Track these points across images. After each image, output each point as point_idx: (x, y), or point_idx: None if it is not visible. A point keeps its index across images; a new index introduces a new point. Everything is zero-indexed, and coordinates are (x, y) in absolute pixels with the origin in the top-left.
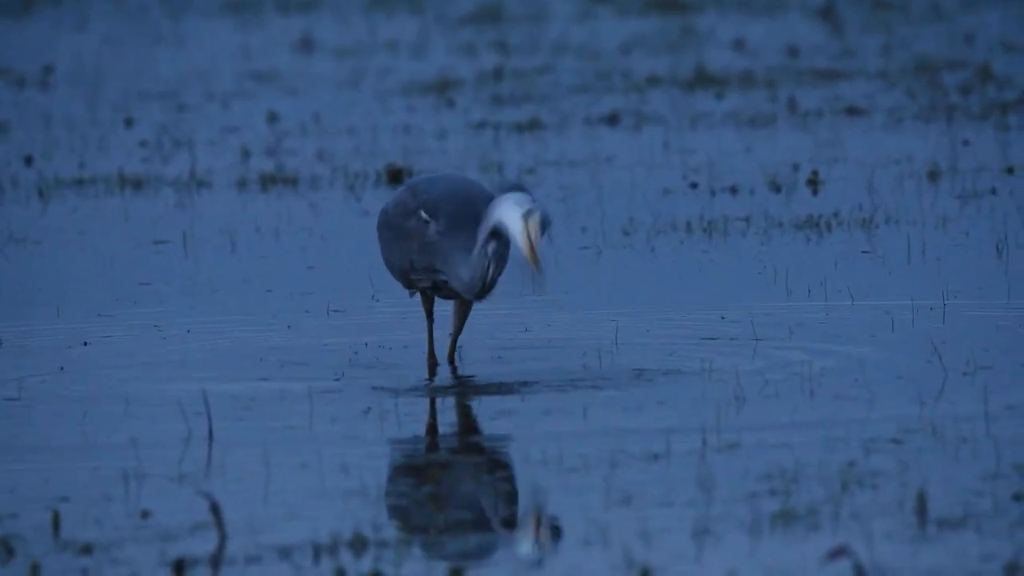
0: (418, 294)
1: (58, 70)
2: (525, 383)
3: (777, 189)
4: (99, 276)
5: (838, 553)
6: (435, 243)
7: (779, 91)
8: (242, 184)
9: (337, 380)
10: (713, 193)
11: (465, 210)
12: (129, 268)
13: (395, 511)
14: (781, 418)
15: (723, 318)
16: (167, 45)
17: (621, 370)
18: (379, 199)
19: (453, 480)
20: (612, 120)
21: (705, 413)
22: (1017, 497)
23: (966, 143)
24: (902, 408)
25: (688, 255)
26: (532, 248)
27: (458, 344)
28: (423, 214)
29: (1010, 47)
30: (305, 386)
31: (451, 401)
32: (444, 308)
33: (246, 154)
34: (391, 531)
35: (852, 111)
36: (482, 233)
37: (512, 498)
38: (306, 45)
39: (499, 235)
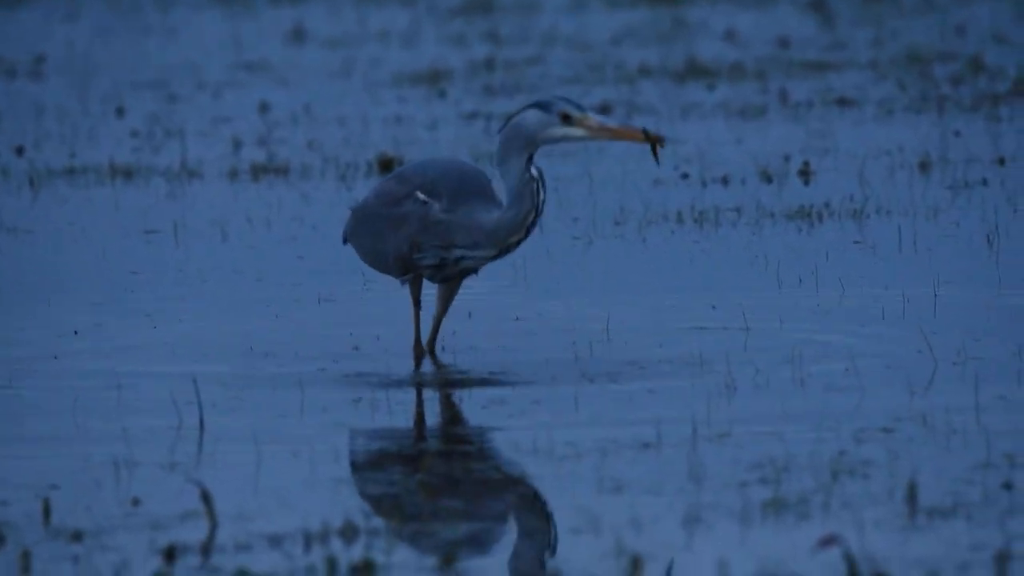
0: (408, 283)
1: (49, 60)
2: (516, 372)
3: (768, 180)
4: (90, 266)
5: (828, 542)
6: (444, 221)
7: (770, 82)
8: (233, 174)
9: (327, 369)
10: (704, 184)
11: (467, 187)
12: (120, 258)
13: (386, 499)
14: (772, 408)
15: (714, 308)
16: (158, 35)
17: (612, 360)
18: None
19: (443, 469)
20: (603, 111)
21: (696, 403)
22: (1007, 486)
23: (957, 134)
24: (893, 398)
25: (679, 245)
26: (620, 131)
27: (446, 332)
28: (420, 195)
29: (1001, 39)
30: (296, 375)
31: (441, 390)
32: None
33: (237, 144)
34: (382, 519)
35: (843, 102)
36: (515, 158)
37: (503, 487)
38: (297, 35)
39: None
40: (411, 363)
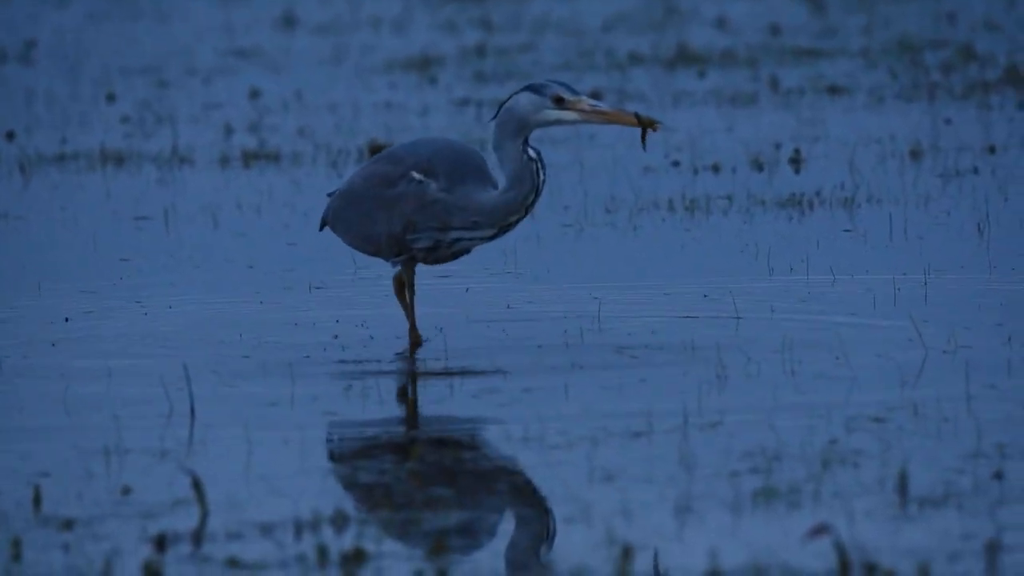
0: (399, 265)
1: (40, 45)
2: (507, 360)
3: (759, 167)
4: (81, 252)
5: (819, 531)
6: (441, 200)
7: (761, 69)
8: (224, 160)
9: (318, 357)
10: (695, 171)
11: (463, 165)
12: (110, 244)
13: (377, 488)
14: (763, 396)
15: (705, 296)
16: (149, 21)
17: (603, 348)
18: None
19: (434, 458)
20: (594, 98)
21: (687, 391)
22: (998, 476)
23: (948, 122)
24: (883, 387)
25: (670, 233)
26: (613, 114)
27: (437, 321)
28: (415, 175)
29: (992, 26)
30: (286, 363)
31: (432, 378)
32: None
33: (228, 130)
34: (373, 508)
35: (834, 90)
36: (511, 142)
37: (494, 476)
38: (288, 22)
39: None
40: (402, 351)
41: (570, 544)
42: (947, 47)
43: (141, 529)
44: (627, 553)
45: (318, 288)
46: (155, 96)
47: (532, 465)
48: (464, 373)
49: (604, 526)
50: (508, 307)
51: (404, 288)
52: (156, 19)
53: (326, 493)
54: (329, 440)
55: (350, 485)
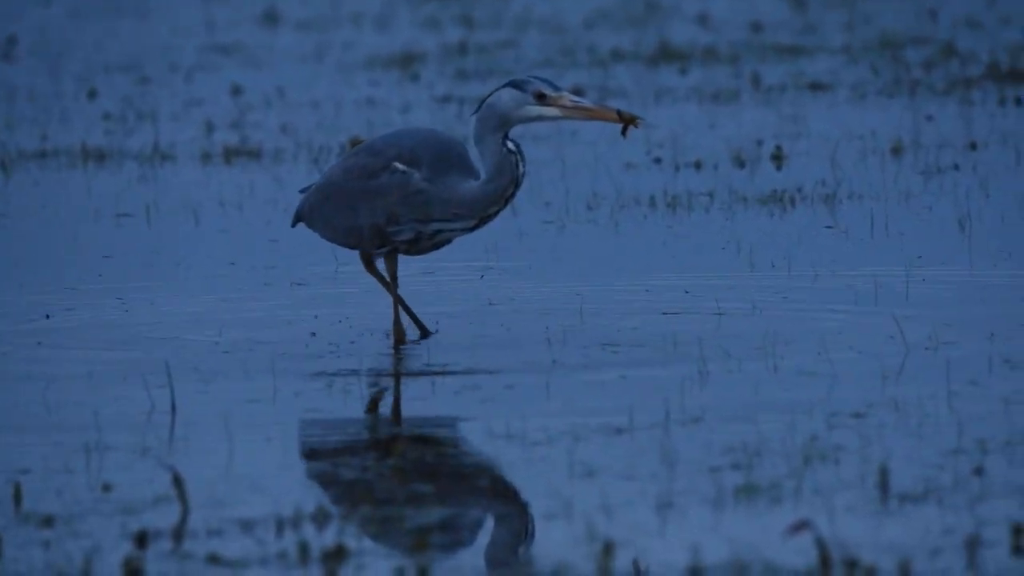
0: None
1: (22, 42)
2: (488, 357)
3: (741, 164)
4: (62, 249)
5: (800, 527)
6: (425, 190)
7: (743, 66)
8: (206, 157)
9: (299, 354)
10: (677, 168)
11: (446, 155)
12: (92, 241)
13: (358, 485)
14: (744, 393)
15: (687, 292)
16: (131, 17)
17: (585, 344)
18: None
19: (416, 454)
20: (576, 95)
21: (668, 388)
22: (978, 472)
23: (929, 119)
24: (865, 383)
25: (652, 230)
26: (595, 111)
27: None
28: (399, 166)
29: (973, 23)
30: (268, 360)
31: (414, 374)
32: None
33: (210, 127)
34: (354, 505)
35: (816, 86)
36: (491, 136)
37: (475, 472)
38: (270, 18)
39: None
40: (384, 348)
41: (551, 540)
42: (928, 44)
43: (122, 526)
44: (608, 549)
45: (300, 284)
46: (137, 93)
47: (513, 462)
48: (446, 370)
49: (585, 522)
50: (490, 304)
51: (372, 262)
52: (138, 16)
53: (307, 490)
54: (311, 437)
55: (331, 482)
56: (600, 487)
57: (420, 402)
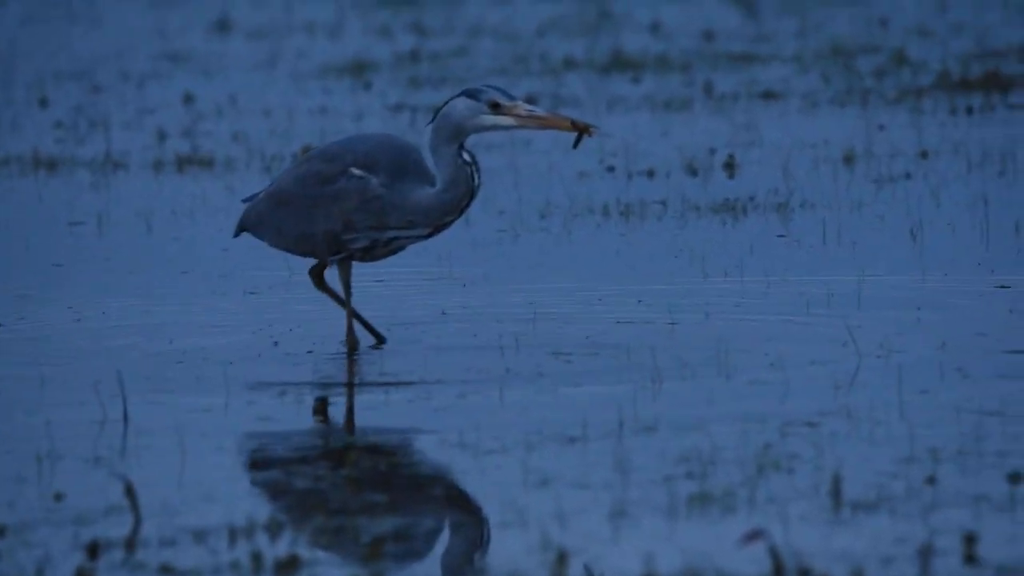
0: (337, 267)
1: None
2: (442, 366)
3: (694, 173)
4: (13, 258)
5: (754, 536)
6: (382, 196)
7: (695, 75)
8: (158, 165)
9: (252, 363)
10: (630, 176)
11: (402, 160)
12: (43, 250)
13: (311, 494)
14: (697, 401)
15: (640, 301)
16: (82, 25)
17: (538, 353)
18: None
19: (369, 464)
20: (529, 103)
21: (622, 396)
22: (930, 481)
23: (881, 127)
24: (817, 392)
25: (605, 238)
26: (549, 119)
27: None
28: (355, 171)
29: (924, 32)
30: (220, 368)
31: (367, 384)
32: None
33: (162, 135)
34: (307, 514)
35: (768, 95)
36: (446, 146)
37: (429, 482)
38: (222, 26)
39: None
40: (337, 357)
41: (505, 549)
42: (880, 53)
43: (73, 536)
44: (562, 558)
45: (252, 293)
46: (88, 101)
47: (467, 471)
48: (399, 378)
49: (539, 531)
50: (443, 313)
51: (322, 278)
52: (89, 23)
53: (260, 500)
54: (264, 446)
55: (285, 492)
56: (554, 496)
57: (373, 411)
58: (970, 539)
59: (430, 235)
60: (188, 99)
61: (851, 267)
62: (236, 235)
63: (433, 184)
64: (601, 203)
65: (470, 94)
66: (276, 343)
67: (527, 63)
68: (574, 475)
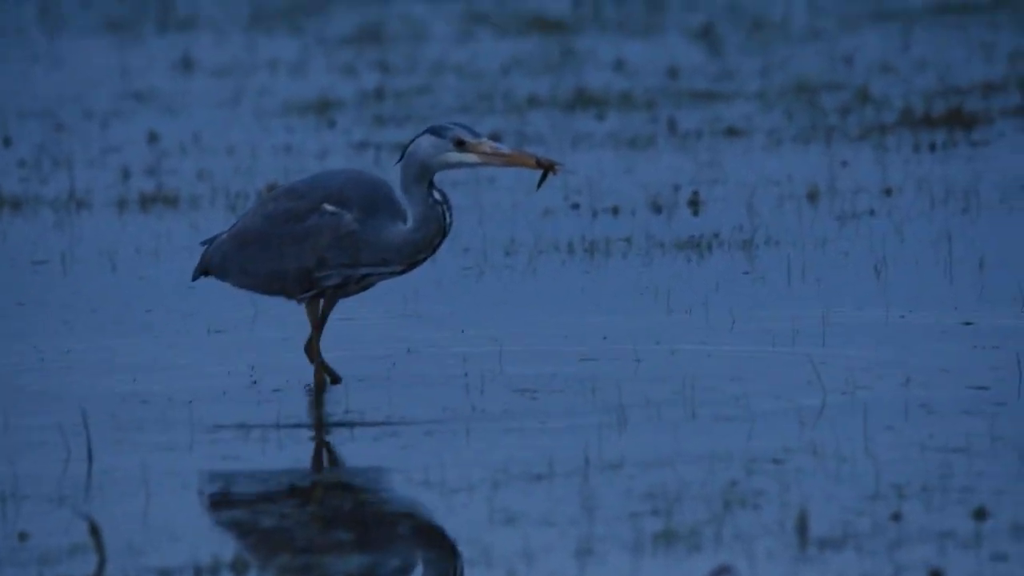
0: (304, 305)
1: None
2: (407, 404)
3: (658, 210)
4: None
5: (720, 573)
6: (356, 232)
7: (659, 112)
8: (122, 204)
9: (217, 401)
10: (595, 214)
11: (374, 195)
12: (7, 289)
13: (277, 532)
14: (663, 438)
15: (605, 338)
16: (45, 63)
17: (503, 391)
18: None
19: (335, 502)
20: (494, 140)
21: (587, 433)
22: (895, 517)
23: (845, 164)
24: (783, 428)
25: (570, 275)
26: (514, 157)
27: (337, 366)
28: (328, 207)
29: (888, 69)
30: (185, 407)
31: (334, 422)
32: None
33: (126, 174)
34: (273, 552)
35: (732, 132)
36: (415, 185)
37: (395, 519)
38: (186, 64)
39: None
40: (303, 395)
41: None
42: (844, 90)
43: (38, 575)
44: None
45: (217, 332)
46: (52, 140)
47: (433, 508)
48: (365, 416)
49: (505, 569)
50: (408, 351)
51: (317, 352)
52: (52, 62)
53: (226, 539)
54: (229, 485)
55: (250, 530)
56: (520, 534)
57: (339, 448)
58: (935, 575)
59: (403, 272)
60: (152, 137)
61: (816, 303)
62: (195, 278)
63: (405, 220)
64: (566, 240)
65: (435, 131)
66: (253, 381)
67: (491, 101)
68: (540, 513)
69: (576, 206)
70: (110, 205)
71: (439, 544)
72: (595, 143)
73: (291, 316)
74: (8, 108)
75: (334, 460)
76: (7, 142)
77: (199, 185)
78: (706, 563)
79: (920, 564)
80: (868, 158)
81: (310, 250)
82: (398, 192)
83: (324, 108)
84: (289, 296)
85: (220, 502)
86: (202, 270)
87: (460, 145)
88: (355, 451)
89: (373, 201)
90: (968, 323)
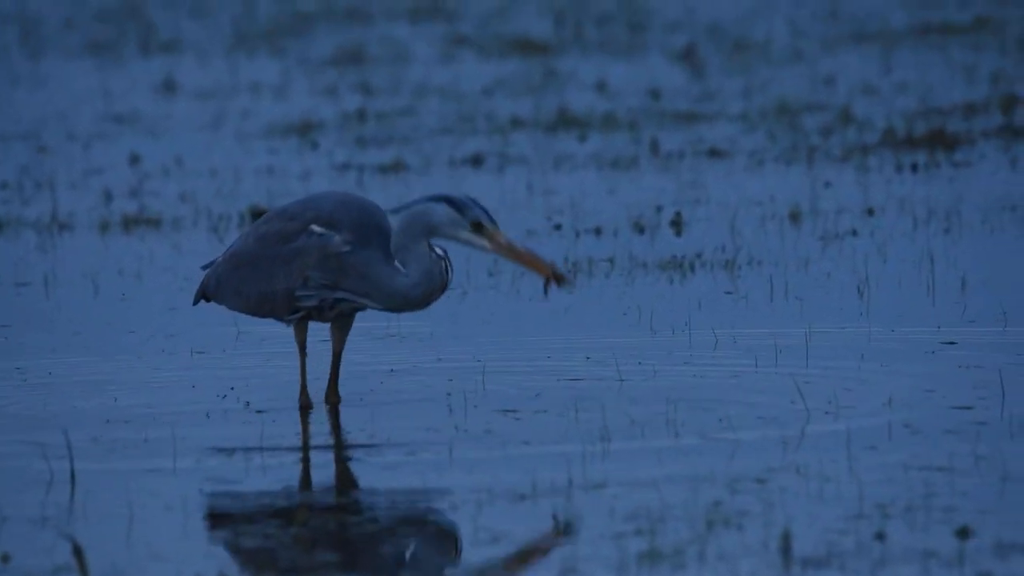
0: (292, 326)
1: None
2: (390, 424)
3: (641, 230)
4: None
5: None
6: (346, 255)
7: (641, 133)
8: (104, 226)
9: (200, 422)
10: (577, 234)
11: (365, 220)
12: None
13: (261, 553)
14: (647, 458)
15: (588, 358)
16: (27, 86)
17: (487, 411)
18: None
19: (318, 522)
20: (476, 162)
21: (571, 453)
22: (879, 537)
23: (827, 185)
24: (766, 448)
25: (553, 296)
26: (527, 258)
27: (320, 387)
28: (316, 228)
29: (869, 90)
30: (168, 428)
31: (317, 442)
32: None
33: (108, 196)
34: (257, 573)
35: (714, 153)
36: (415, 242)
37: (378, 540)
38: (168, 87)
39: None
40: (287, 416)
41: None
42: (825, 111)
43: None
44: None
45: (200, 353)
46: (34, 162)
47: (417, 529)
48: (348, 437)
49: None
50: (391, 370)
51: (308, 407)
52: (34, 84)
53: (209, 559)
54: (212, 506)
55: (234, 551)
56: (504, 553)
57: (323, 469)
58: None
59: (381, 310)
60: (134, 159)
61: (799, 324)
62: (196, 302)
63: (401, 263)
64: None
65: (455, 205)
66: (246, 403)
67: (473, 122)
68: (524, 533)
69: (559, 227)
70: (93, 227)
71: (423, 565)
72: (578, 164)
73: (273, 337)
74: None
75: (317, 481)
76: None
77: (182, 207)
78: None
79: None
80: (850, 179)
81: (296, 270)
82: (389, 219)
83: (306, 130)
84: (278, 318)
85: (203, 523)
86: (201, 294)
87: (477, 228)
88: (338, 472)
89: (364, 226)
90: (951, 343)
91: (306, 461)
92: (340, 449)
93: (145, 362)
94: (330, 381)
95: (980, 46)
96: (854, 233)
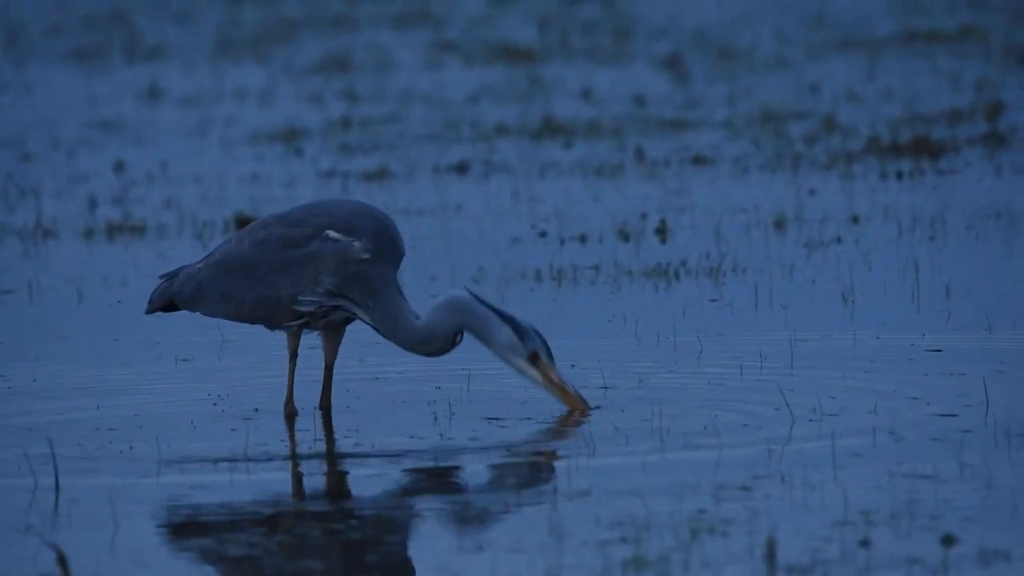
0: (287, 334)
1: None
2: (375, 432)
3: (626, 238)
4: None
5: None
6: (365, 262)
7: (626, 140)
8: (89, 233)
9: (185, 430)
10: (562, 242)
11: (381, 230)
12: None
13: (245, 561)
14: (631, 466)
15: (573, 366)
16: (11, 93)
17: (472, 419)
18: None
19: (303, 530)
20: (461, 169)
21: (556, 461)
22: (864, 544)
23: (812, 192)
24: (751, 455)
25: (538, 304)
26: (569, 396)
27: (304, 395)
28: (332, 234)
29: (854, 98)
30: (152, 435)
31: (303, 450)
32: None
33: (93, 203)
34: None
35: (699, 160)
36: (454, 322)
37: (363, 548)
38: (153, 94)
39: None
40: (272, 424)
41: None
42: (810, 118)
43: None
44: None
45: (184, 360)
46: (18, 169)
47: (403, 536)
48: (332, 445)
49: None
50: (376, 379)
51: (293, 415)
52: (19, 91)
53: (194, 567)
54: (197, 513)
55: (219, 559)
56: (489, 561)
57: (308, 478)
58: None
59: (374, 328)
60: (119, 166)
61: (783, 331)
62: (151, 311)
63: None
64: (534, 268)
65: (520, 332)
66: (223, 410)
67: (458, 129)
68: (509, 540)
69: (544, 234)
70: (77, 234)
71: (408, 573)
72: (563, 171)
73: (258, 345)
74: None
75: (303, 489)
76: None
77: (166, 214)
78: None
79: None
80: (835, 186)
81: (308, 275)
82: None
83: (291, 137)
84: (274, 324)
85: (188, 531)
86: (163, 303)
87: (533, 359)
88: (324, 479)
89: (380, 236)
90: (936, 350)
91: (291, 469)
92: (325, 457)
93: (130, 369)
94: (323, 392)
95: (965, 54)
96: (839, 240)
